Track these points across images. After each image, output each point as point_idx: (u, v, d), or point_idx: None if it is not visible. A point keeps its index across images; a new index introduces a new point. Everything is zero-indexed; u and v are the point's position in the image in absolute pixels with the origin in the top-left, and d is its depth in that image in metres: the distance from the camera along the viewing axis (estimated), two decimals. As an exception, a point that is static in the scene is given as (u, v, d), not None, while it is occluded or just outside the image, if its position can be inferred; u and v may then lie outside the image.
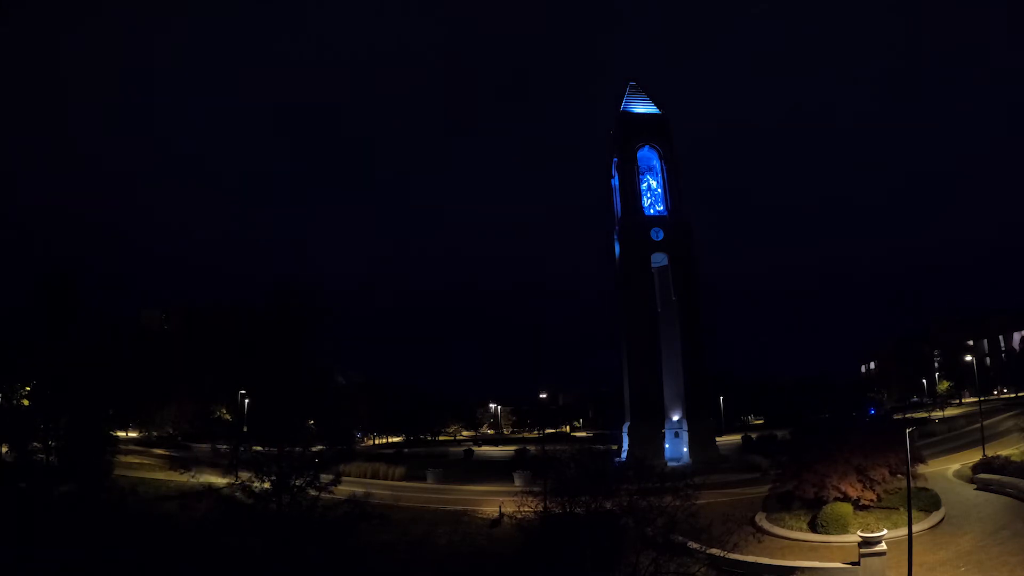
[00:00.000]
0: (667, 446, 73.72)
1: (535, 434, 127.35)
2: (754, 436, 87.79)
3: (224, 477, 24.79)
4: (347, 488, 26.48)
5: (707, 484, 41.87)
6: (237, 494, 24.39)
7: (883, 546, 29.53)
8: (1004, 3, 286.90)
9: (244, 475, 24.66)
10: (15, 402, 39.91)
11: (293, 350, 26.75)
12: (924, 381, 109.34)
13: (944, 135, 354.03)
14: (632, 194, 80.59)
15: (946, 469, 47.96)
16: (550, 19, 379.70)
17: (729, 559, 29.18)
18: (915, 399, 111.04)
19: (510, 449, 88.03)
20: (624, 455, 69.06)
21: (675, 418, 76.31)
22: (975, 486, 42.40)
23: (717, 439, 78.71)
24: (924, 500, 37.72)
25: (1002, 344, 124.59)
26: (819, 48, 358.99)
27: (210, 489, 24.07)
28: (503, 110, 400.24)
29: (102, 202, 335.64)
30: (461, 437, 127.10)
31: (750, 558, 31.06)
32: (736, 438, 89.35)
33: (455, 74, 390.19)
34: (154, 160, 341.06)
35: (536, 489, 29.93)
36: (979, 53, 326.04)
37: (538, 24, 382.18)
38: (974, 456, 48.54)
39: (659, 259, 78.89)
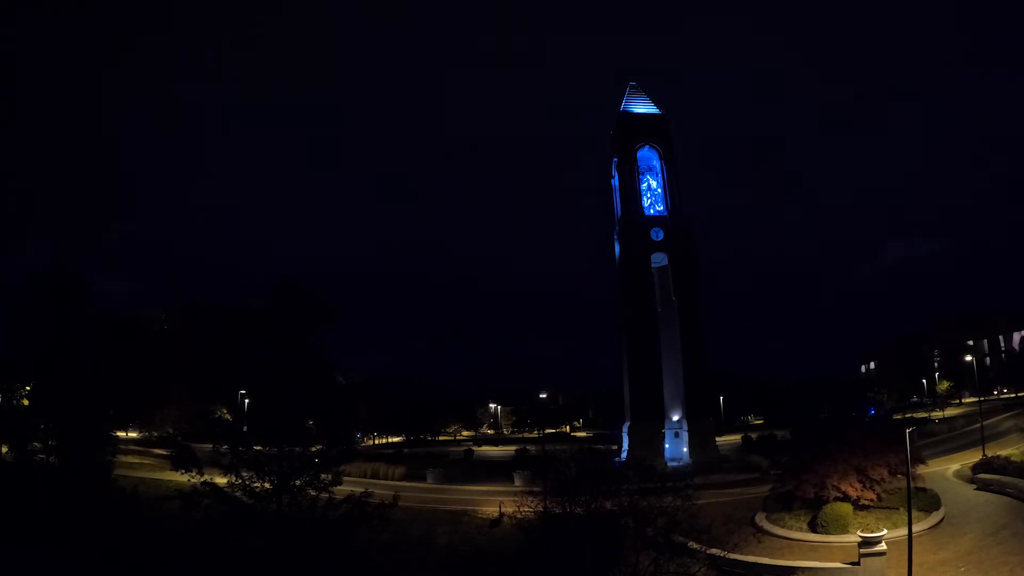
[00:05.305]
0: (667, 446, 73.73)
1: (535, 434, 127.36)
2: (754, 436, 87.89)
3: (224, 476, 24.82)
4: (347, 488, 26.47)
5: (707, 484, 41.93)
6: (238, 494, 24.40)
7: (883, 546, 29.51)
8: None
9: (245, 475, 24.68)
10: (15, 402, 39.99)
11: (294, 349, 26.72)
12: (924, 381, 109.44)
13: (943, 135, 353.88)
14: (632, 194, 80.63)
15: (946, 469, 47.96)
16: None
17: (729, 559, 29.23)
18: (915, 399, 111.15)
19: (510, 449, 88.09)
20: (624, 455, 69.10)
21: (675, 418, 76.32)
22: (975, 486, 42.38)
23: (717, 439, 78.74)
24: (924, 500, 37.71)
25: (1002, 344, 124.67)
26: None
27: (212, 489, 24.07)
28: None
29: (101, 202, 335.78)
30: (461, 437, 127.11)
31: (750, 558, 31.06)
32: (736, 438, 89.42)
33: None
34: (151, 157, 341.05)
35: (536, 489, 29.88)
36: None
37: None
38: (974, 456, 48.55)
39: (659, 259, 78.93)
